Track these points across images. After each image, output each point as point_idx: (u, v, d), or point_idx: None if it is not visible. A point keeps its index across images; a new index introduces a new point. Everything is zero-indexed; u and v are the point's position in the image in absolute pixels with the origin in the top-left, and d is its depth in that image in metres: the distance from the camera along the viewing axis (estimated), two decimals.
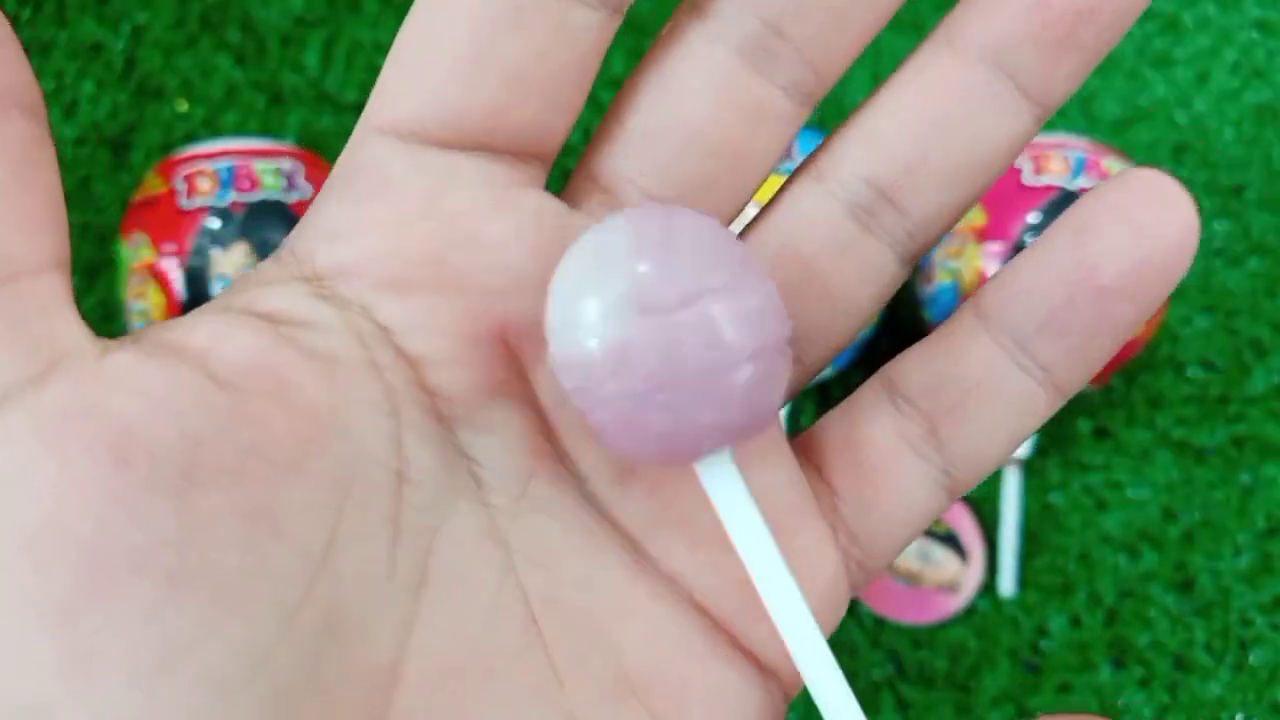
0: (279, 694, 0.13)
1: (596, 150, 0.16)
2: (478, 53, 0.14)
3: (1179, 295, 0.43)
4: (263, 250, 0.35)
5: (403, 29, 0.15)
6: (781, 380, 0.14)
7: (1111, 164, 0.37)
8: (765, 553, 0.15)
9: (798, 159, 0.37)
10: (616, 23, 0.15)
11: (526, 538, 0.15)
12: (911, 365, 0.17)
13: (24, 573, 0.12)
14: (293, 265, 0.15)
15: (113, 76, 0.43)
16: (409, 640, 0.14)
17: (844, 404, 0.17)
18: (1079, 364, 0.16)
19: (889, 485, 0.16)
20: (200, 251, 0.35)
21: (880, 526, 0.16)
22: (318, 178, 0.37)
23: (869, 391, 0.17)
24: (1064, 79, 0.15)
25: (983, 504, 0.41)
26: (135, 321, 0.36)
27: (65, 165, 0.42)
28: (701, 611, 0.16)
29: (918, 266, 0.40)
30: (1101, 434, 0.42)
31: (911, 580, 0.40)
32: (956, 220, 0.16)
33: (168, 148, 0.42)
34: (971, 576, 0.40)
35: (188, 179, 0.36)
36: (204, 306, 0.14)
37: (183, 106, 0.43)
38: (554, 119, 0.15)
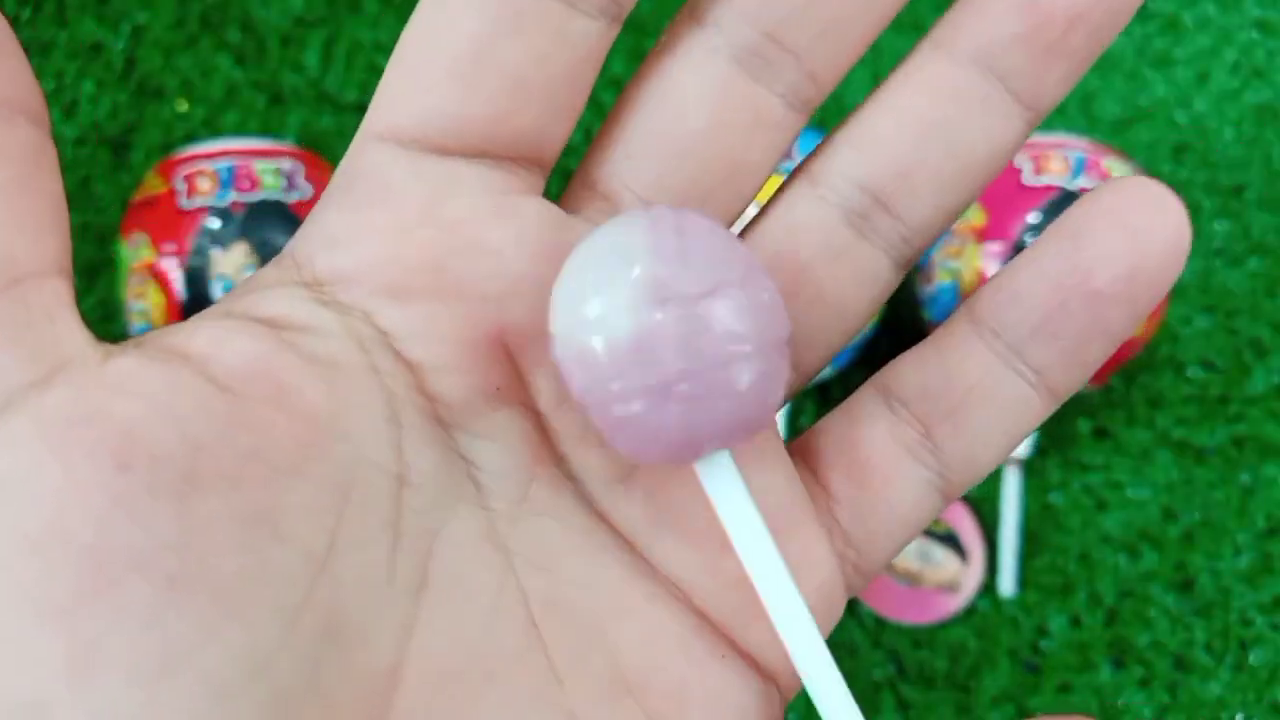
0: (279, 697, 0.13)
1: (595, 157, 0.16)
2: (478, 59, 0.14)
3: (1179, 295, 0.43)
4: (262, 250, 0.35)
5: (403, 36, 0.15)
6: (782, 379, 0.14)
7: (1111, 164, 0.37)
8: (764, 553, 0.15)
9: (798, 159, 0.37)
10: (615, 31, 0.15)
11: (526, 541, 0.15)
12: (907, 369, 0.17)
13: (26, 574, 0.12)
14: (293, 271, 0.15)
15: (113, 76, 0.43)
16: (409, 643, 0.14)
17: (840, 408, 0.17)
18: (1073, 368, 0.16)
19: (884, 488, 0.16)
20: (200, 251, 0.35)
21: (876, 529, 0.17)
22: (318, 178, 0.37)
23: (865, 396, 0.17)
24: (1055, 82, 0.15)
25: (983, 504, 0.41)
26: (135, 321, 0.36)
27: (65, 165, 0.42)
28: (700, 613, 0.16)
29: (917, 266, 0.40)
30: (1101, 434, 0.42)
31: (912, 580, 0.40)
32: (951, 224, 0.17)
33: (168, 148, 0.42)
34: (971, 576, 0.40)
35: (188, 179, 0.36)
36: (205, 311, 0.14)
37: (183, 106, 0.43)
38: (553, 125, 0.15)
